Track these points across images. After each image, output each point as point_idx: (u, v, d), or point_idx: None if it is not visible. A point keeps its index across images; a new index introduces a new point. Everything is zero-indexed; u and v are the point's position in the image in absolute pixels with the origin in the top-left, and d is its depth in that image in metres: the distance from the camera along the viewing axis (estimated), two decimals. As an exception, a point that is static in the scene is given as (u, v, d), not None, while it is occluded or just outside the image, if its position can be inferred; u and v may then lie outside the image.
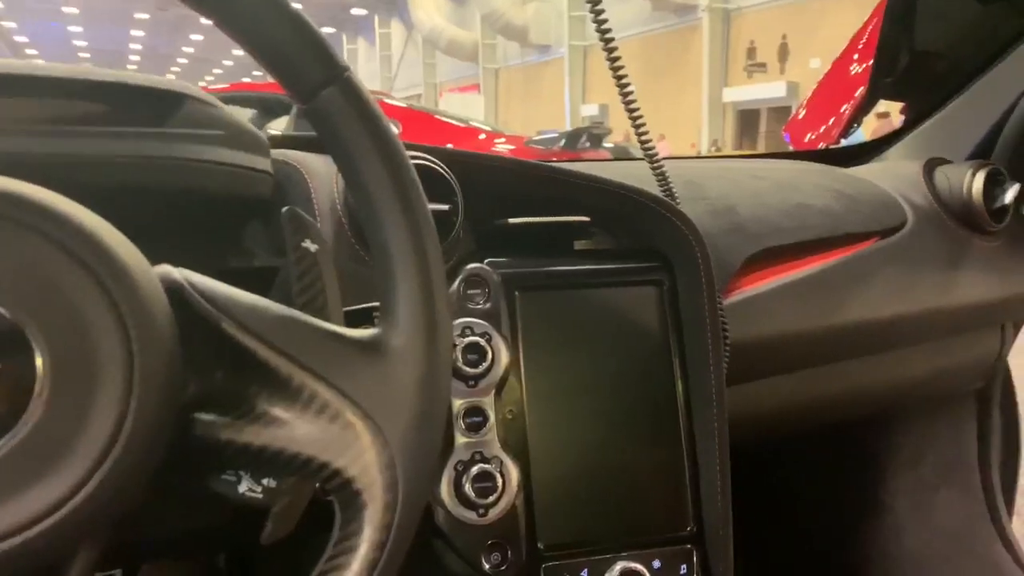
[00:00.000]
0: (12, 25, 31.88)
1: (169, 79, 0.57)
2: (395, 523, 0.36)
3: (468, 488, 0.57)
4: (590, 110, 17.10)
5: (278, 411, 0.37)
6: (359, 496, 0.37)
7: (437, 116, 5.19)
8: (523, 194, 0.68)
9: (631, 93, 0.72)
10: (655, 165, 0.72)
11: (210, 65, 37.83)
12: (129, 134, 0.52)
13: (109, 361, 0.33)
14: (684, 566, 0.63)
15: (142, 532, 0.37)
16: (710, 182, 0.85)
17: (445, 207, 0.63)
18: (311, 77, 0.38)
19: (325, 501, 0.40)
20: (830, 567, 1.14)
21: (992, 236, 0.91)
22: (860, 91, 1.24)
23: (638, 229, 0.70)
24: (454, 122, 5.00)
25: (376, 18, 27.77)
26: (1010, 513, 1.12)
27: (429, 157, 0.63)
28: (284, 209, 0.44)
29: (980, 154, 0.98)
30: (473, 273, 0.63)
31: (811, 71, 12.83)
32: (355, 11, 28.67)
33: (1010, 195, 0.89)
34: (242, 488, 0.43)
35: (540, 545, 0.61)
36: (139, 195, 0.52)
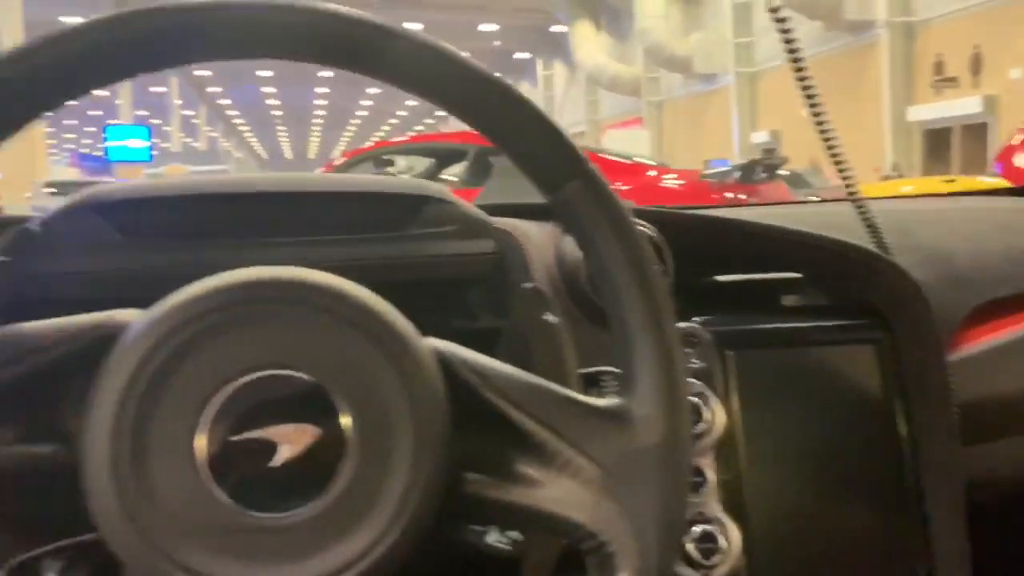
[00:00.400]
0: (218, 89, 35.71)
1: (413, 182, 0.65)
2: None
3: (692, 548, 0.58)
4: (760, 137, 16.59)
5: (535, 473, 0.40)
6: (613, 559, 0.39)
7: (602, 154, 5.23)
8: (731, 251, 0.69)
9: (826, 123, 0.71)
10: (863, 212, 0.70)
11: (386, 116, 40.38)
12: (377, 239, 0.60)
13: (401, 424, 0.37)
14: None
15: None
16: (923, 228, 0.81)
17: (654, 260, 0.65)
18: (557, 172, 0.42)
19: (574, 557, 0.43)
20: None
21: None
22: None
23: (851, 284, 0.69)
24: (619, 159, 5.03)
25: (539, 61, 28.57)
26: None
27: (640, 220, 0.65)
28: (526, 286, 0.48)
29: None
30: (685, 332, 0.64)
31: (1011, 82, 11.75)
32: (518, 56, 29.67)
33: None
34: (490, 539, 0.46)
35: None
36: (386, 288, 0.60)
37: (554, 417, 0.40)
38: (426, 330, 0.43)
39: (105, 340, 0.38)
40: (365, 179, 0.65)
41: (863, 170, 13.51)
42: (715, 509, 0.60)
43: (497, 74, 0.42)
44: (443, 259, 0.63)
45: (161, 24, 0.37)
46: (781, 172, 6.15)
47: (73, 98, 0.39)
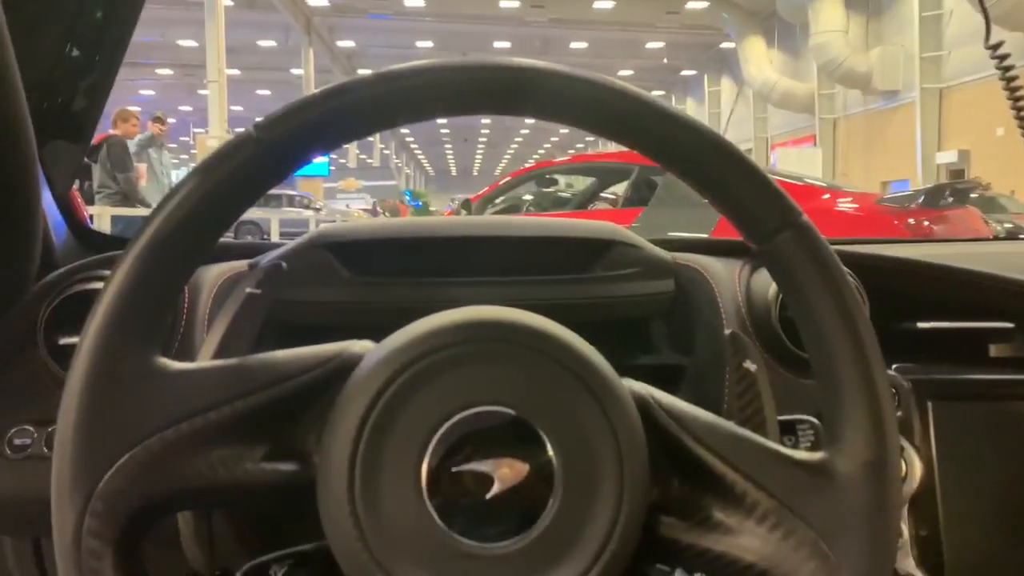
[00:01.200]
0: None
1: (602, 226, 0.68)
2: None
3: None
4: (947, 157, 15.37)
5: (733, 522, 0.40)
6: None
7: (771, 175, 5.03)
8: (935, 296, 0.66)
9: None
10: None
11: (547, 134, 40.97)
12: (567, 280, 0.63)
13: (606, 463, 0.39)
14: None
15: None
16: None
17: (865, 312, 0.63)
18: (767, 223, 0.42)
19: None
20: None
21: None
22: None
23: None
24: (790, 180, 4.82)
25: (705, 77, 27.99)
26: None
27: None
28: (728, 332, 0.48)
29: None
30: None
31: None
32: (685, 72, 29.21)
33: None
34: None
35: None
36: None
37: (754, 467, 0.41)
38: (617, 366, 0.45)
39: (342, 369, 0.42)
40: (558, 223, 0.68)
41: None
42: (910, 566, 0.57)
43: (709, 127, 0.43)
44: (627, 299, 0.65)
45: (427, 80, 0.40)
46: (972, 195, 5.66)
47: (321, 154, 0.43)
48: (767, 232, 0.42)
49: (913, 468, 0.59)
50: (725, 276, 0.68)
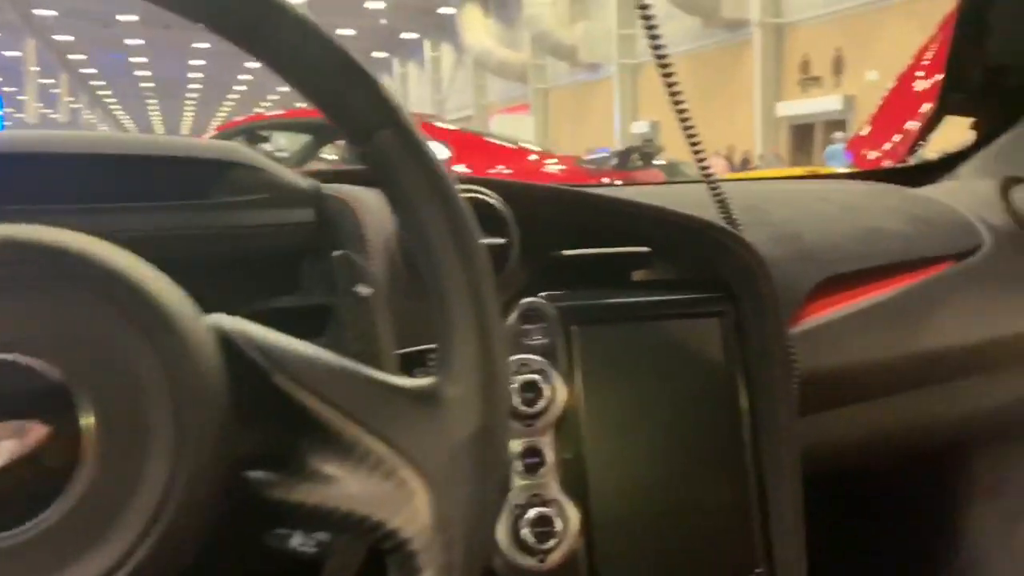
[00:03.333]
0: (81, 57, 33.30)
1: (218, 145, 0.58)
2: None
3: (526, 533, 0.55)
4: (641, 128, 17.04)
5: (331, 468, 0.35)
6: (415, 558, 0.35)
7: (487, 138, 5.21)
8: (580, 224, 0.67)
9: (686, 112, 0.70)
10: (715, 189, 0.70)
11: (265, 91, 38.88)
12: (177, 207, 0.53)
13: (158, 417, 0.32)
14: None
15: None
16: (774, 207, 0.82)
17: (500, 240, 0.61)
18: (366, 120, 0.37)
19: (383, 554, 0.38)
20: None
21: None
22: (926, 107, 1.20)
23: (699, 258, 0.68)
24: (504, 143, 5.02)
25: (427, 43, 28.23)
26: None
27: (483, 190, 0.62)
28: (336, 253, 0.43)
29: (1061, 171, 0.93)
30: (530, 308, 0.61)
31: (868, 84, 12.56)
32: (405, 36, 29.18)
33: (1095, 214, 0.84)
34: (295, 542, 0.41)
35: None
36: (187, 261, 0.54)
37: (354, 402, 0.36)
38: (246, 308, 0.38)
39: None
40: (169, 140, 0.57)
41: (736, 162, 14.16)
42: (553, 490, 0.57)
43: (314, 23, 0.37)
44: (255, 230, 0.56)
45: None
46: (658, 161, 6.33)
47: None
48: (367, 128, 0.37)
49: (558, 392, 0.58)
50: (374, 206, 0.63)
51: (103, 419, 0.31)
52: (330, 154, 5.72)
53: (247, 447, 0.35)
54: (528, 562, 0.55)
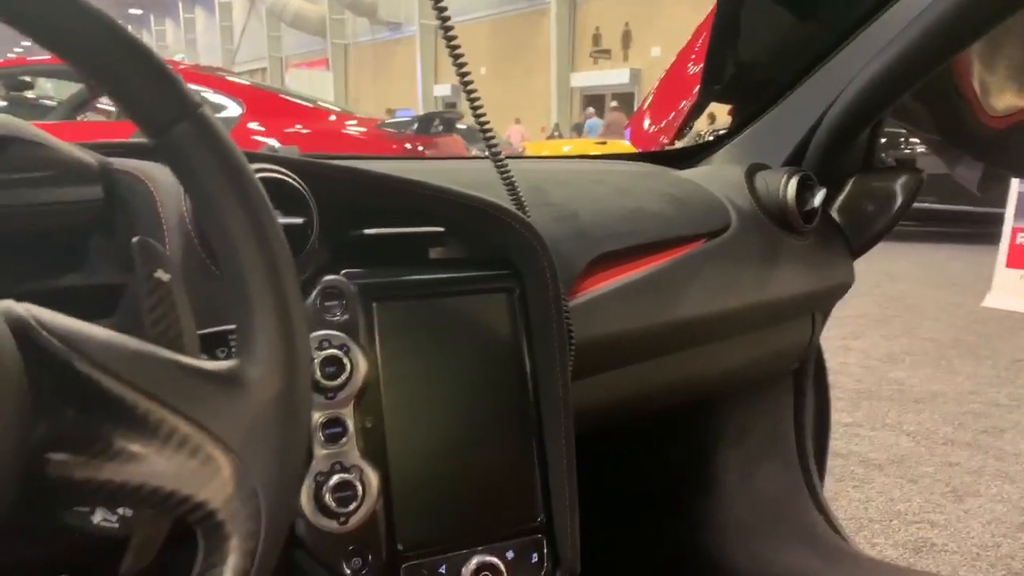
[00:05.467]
0: None
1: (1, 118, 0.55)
2: (259, 550, 0.38)
3: (328, 498, 0.59)
4: (443, 90, 17.04)
5: (136, 447, 0.37)
6: (222, 527, 0.37)
7: (284, 96, 4.99)
8: (378, 204, 0.70)
9: (474, 90, 0.73)
10: (503, 172, 0.75)
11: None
12: None
13: None
14: (535, 554, 0.68)
15: None
16: (554, 188, 0.89)
17: (300, 220, 0.63)
18: (164, 112, 0.38)
19: (186, 527, 0.40)
20: (665, 540, 1.24)
21: (803, 236, 1.02)
22: (696, 90, 1.32)
23: (490, 238, 0.74)
24: (302, 102, 4.84)
25: (215, -14, 26.30)
26: (822, 476, 1.26)
27: (282, 170, 0.63)
28: (134, 240, 0.43)
29: (793, 160, 1.08)
30: (330, 285, 0.64)
31: (652, 59, 13.39)
32: (191, -23, 26.99)
33: (818, 199, 0.99)
34: (96, 519, 0.42)
35: (400, 546, 0.63)
36: None
37: (157, 385, 0.37)
38: (39, 290, 0.37)
39: None
40: None
41: (532, 129, 14.61)
42: (354, 457, 0.61)
43: (96, 8, 0.37)
44: (34, 208, 0.54)
45: None
46: (460, 126, 6.37)
47: None
48: (163, 123, 0.39)
49: (358, 366, 0.62)
50: (170, 182, 0.62)
51: None
52: (110, 104, 5.23)
53: (47, 430, 0.36)
54: (330, 525, 0.59)
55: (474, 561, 0.65)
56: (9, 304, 0.37)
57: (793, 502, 1.20)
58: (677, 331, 0.90)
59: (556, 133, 12.96)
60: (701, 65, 1.27)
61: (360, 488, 0.60)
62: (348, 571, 0.61)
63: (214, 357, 0.56)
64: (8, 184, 0.53)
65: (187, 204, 0.62)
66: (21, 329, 0.36)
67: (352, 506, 0.60)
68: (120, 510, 0.43)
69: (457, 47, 0.70)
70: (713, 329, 0.95)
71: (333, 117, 4.80)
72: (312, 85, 14.53)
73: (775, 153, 1.11)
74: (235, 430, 0.38)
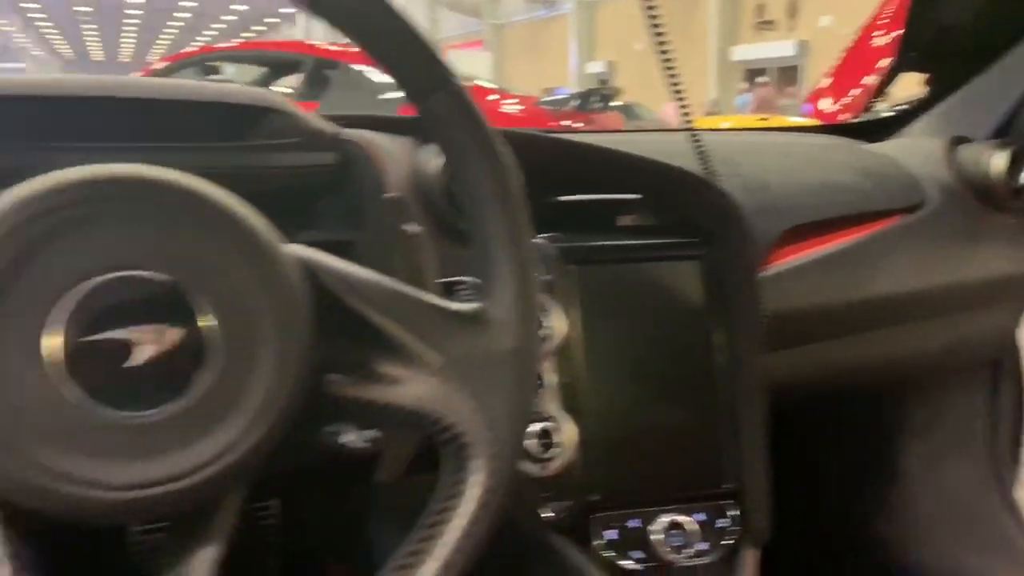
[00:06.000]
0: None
1: (253, 91, 0.63)
2: (497, 471, 0.42)
3: (531, 444, 0.63)
4: (597, 68, 16.94)
5: (396, 372, 0.42)
6: (467, 448, 0.42)
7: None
8: (576, 172, 0.73)
9: (672, 63, 0.74)
10: (697, 142, 0.76)
11: (211, 20, 37.34)
12: (216, 148, 0.58)
13: (264, 327, 0.38)
14: (726, 519, 0.69)
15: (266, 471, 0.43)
16: (744, 159, 0.89)
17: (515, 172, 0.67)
18: (425, 81, 0.43)
19: (429, 452, 0.45)
20: (844, 525, 1.21)
21: (1011, 214, 0.95)
22: (884, 62, 1.26)
23: (682, 206, 0.75)
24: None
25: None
26: (1015, 479, 1.18)
27: None
28: (385, 196, 0.49)
29: (1001, 132, 1.01)
30: None
31: (821, 29, 12.65)
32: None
33: (1030, 174, 0.93)
34: (349, 438, 0.48)
35: (594, 497, 0.67)
36: None
37: (415, 320, 0.42)
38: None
39: None
40: (205, 87, 0.62)
41: (693, 106, 14.25)
42: (552, 409, 0.65)
43: None
44: (284, 170, 0.62)
45: None
46: (615, 103, 6.34)
47: None
48: (424, 90, 0.43)
49: (556, 325, 0.65)
50: (394, 151, 0.68)
51: (221, 326, 0.37)
52: (285, 87, 5.62)
53: (325, 355, 0.42)
54: (532, 468, 0.63)
55: (665, 518, 0.67)
56: (297, 248, 0.42)
57: (982, 503, 1.14)
58: (871, 309, 0.87)
59: (715, 110, 12.59)
60: (889, 36, 1.20)
61: (559, 437, 0.64)
62: (546, 514, 0.65)
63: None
64: (264, 149, 0.60)
65: (410, 171, 0.67)
66: (307, 270, 0.41)
67: (552, 452, 0.64)
68: (367, 433, 0.48)
69: (654, 12, 0.71)
70: (909, 309, 0.91)
71: (493, 96, 4.91)
72: (470, 65, 14.87)
73: (979, 124, 1.04)
74: (479, 363, 0.43)
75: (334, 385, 0.42)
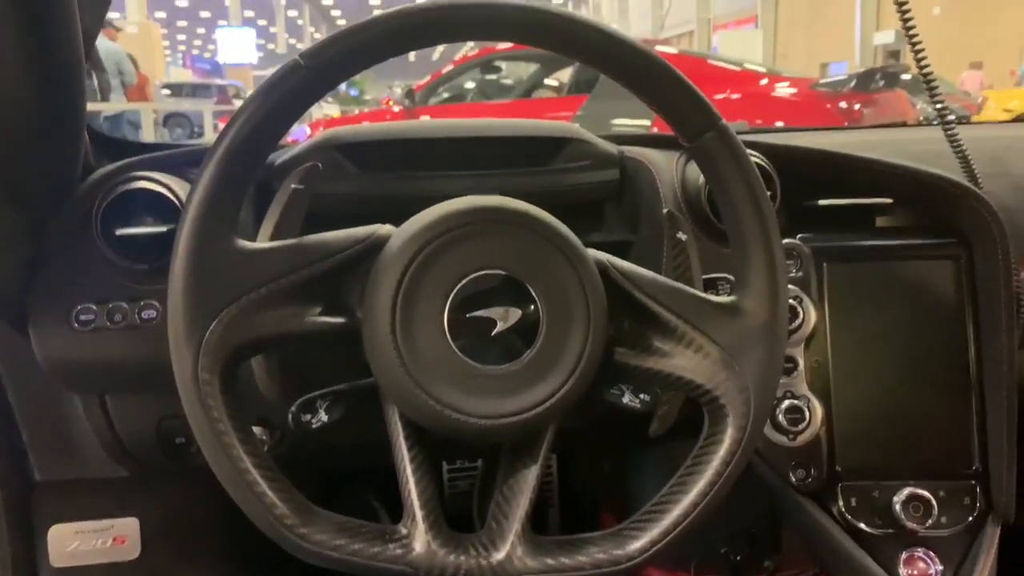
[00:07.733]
0: (323, -9, 35.62)
1: (559, 125, 0.81)
2: (748, 429, 0.54)
3: (781, 418, 0.74)
4: (884, 38, 15.51)
5: (668, 348, 0.56)
6: (723, 409, 0.55)
7: (711, 61, 5.11)
8: (834, 178, 0.81)
9: (920, 47, 0.75)
10: (954, 141, 0.79)
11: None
12: (530, 172, 0.77)
13: (577, 308, 0.54)
14: (967, 497, 0.75)
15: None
16: (1014, 157, 0.90)
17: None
18: (695, 125, 0.55)
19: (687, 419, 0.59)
20: None
21: None
22: None
23: (938, 208, 0.80)
24: (729, 66, 4.91)
25: (648, -45, 27.25)
26: None
27: (755, 154, 0.78)
28: (664, 210, 0.63)
29: None
30: (789, 247, 0.77)
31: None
32: (628, -51, 28.36)
33: None
34: (626, 399, 0.63)
35: (839, 468, 0.76)
36: None
37: (685, 309, 0.56)
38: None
39: (374, 246, 0.55)
40: (524, 123, 0.80)
41: (1000, 74, 12.56)
42: (803, 388, 0.75)
43: (648, 48, 0.55)
44: (581, 187, 0.79)
45: (426, 17, 0.50)
46: (905, 76, 5.82)
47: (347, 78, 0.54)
48: (695, 132, 0.56)
49: (809, 314, 0.75)
50: (664, 166, 0.81)
51: (548, 310, 0.53)
52: (553, 80, 5.96)
53: (614, 332, 0.57)
54: (781, 439, 0.74)
55: (906, 491, 0.74)
56: (594, 252, 0.58)
57: None
58: None
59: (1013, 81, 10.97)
60: None
61: (807, 413, 0.74)
62: (794, 479, 0.75)
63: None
64: (568, 171, 0.77)
65: (678, 182, 0.80)
66: (603, 269, 0.56)
67: (800, 426, 0.74)
68: (643, 395, 0.62)
69: (909, 19, 0.75)
70: None
71: (764, 81, 4.79)
72: (742, 45, 14.36)
73: None
74: (734, 343, 0.55)
75: (620, 355, 0.57)
